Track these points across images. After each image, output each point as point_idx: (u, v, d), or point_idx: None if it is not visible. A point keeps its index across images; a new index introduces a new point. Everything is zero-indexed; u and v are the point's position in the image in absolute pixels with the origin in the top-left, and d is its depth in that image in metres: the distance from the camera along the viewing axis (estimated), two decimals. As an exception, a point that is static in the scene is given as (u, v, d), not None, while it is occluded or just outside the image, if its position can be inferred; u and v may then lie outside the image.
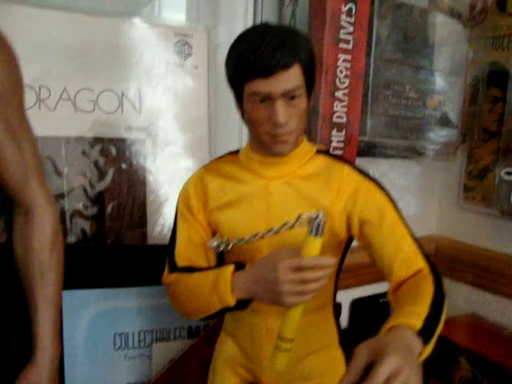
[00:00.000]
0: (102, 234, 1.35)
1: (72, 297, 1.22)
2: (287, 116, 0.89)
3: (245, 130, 1.38)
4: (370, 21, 1.56)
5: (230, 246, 0.94)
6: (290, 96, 0.89)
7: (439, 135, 1.82)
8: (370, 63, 1.61)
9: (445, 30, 1.78)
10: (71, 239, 1.31)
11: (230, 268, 0.91)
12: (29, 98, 1.25)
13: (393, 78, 1.67)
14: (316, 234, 0.81)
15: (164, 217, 1.42)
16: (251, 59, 0.86)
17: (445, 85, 1.80)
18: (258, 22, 1.51)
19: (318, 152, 1.03)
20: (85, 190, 1.32)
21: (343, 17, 1.46)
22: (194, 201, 1.04)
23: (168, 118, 1.42)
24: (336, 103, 1.51)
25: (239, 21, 1.52)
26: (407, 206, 1.99)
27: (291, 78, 0.87)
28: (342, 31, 1.47)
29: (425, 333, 0.76)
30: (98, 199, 1.34)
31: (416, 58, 1.73)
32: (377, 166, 1.84)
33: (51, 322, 0.90)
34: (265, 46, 0.85)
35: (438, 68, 1.78)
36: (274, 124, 0.90)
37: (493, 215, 1.85)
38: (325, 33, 1.45)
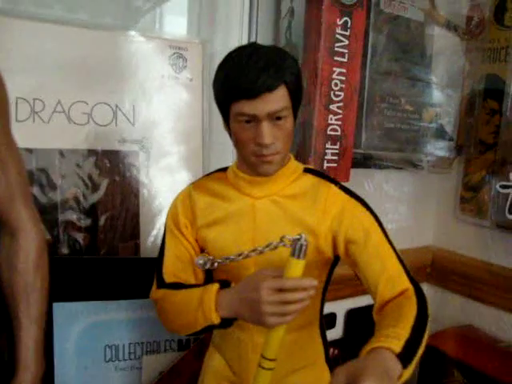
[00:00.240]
0: (95, 245, 1.36)
1: (63, 309, 1.23)
2: (272, 137, 0.90)
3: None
4: (366, 33, 1.56)
5: (216, 265, 0.96)
6: (275, 117, 0.89)
7: (435, 148, 1.82)
8: (365, 76, 1.61)
9: (441, 43, 1.78)
10: (64, 251, 1.32)
11: (215, 286, 0.92)
12: (23, 111, 1.27)
13: (388, 90, 1.67)
14: (298, 256, 0.82)
15: (157, 228, 1.43)
16: (236, 80, 0.87)
17: (441, 97, 1.80)
18: (254, 34, 1.52)
19: (306, 170, 1.04)
20: (78, 202, 1.33)
21: (338, 30, 1.47)
22: (182, 218, 1.05)
23: (162, 131, 1.43)
24: (330, 116, 1.51)
25: (235, 33, 1.52)
26: (403, 216, 1.99)
27: (276, 99, 0.88)
28: (337, 44, 1.47)
29: (404, 357, 0.77)
30: (92, 211, 1.35)
31: (412, 71, 1.73)
32: (371, 177, 1.84)
33: (34, 341, 0.91)
34: (250, 67, 0.86)
35: (435, 80, 1.78)
36: (259, 144, 0.90)
37: (489, 227, 1.84)
38: (320, 46, 1.45)
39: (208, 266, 0.97)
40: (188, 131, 1.46)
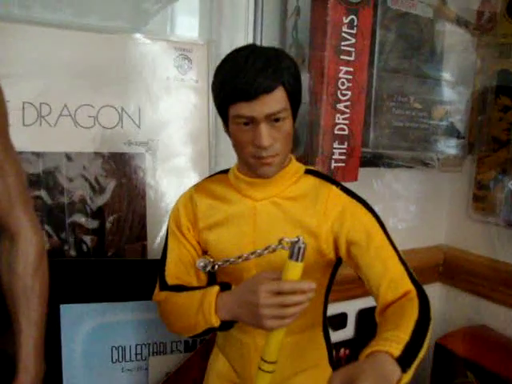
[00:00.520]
0: (103, 247, 1.37)
1: (70, 311, 1.25)
2: (271, 139, 0.90)
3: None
4: (373, 31, 1.54)
5: (216, 268, 0.96)
6: (273, 119, 0.89)
7: (446, 146, 1.79)
8: (373, 74, 1.60)
9: (452, 39, 1.75)
10: (72, 253, 1.33)
11: (215, 289, 0.92)
12: (30, 115, 1.28)
13: (397, 88, 1.65)
14: (296, 258, 0.81)
15: (164, 230, 1.44)
16: (234, 82, 0.86)
17: (452, 94, 1.77)
18: (260, 34, 1.51)
19: (307, 172, 1.03)
20: (85, 204, 1.35)
21: (345, 28, 1.45)
22: (184, 220, 1.05)
23: (168, 133, 1.43)
24: (338, 115, 1.50)
25: (240, 34, 1.52)
26: (414, 216, 1.97)
27: (274, 101, 0.87)
28: (343, 43, 1.46)
29: (403, 360, 0.76)
30: (99, 213, 1.36)
31: (422, 68, 1.70)
32: (381, 177, 1.82)
33: (34, 344, 0.92)
34: (247, 68, 0.86)
35: (445, 78, 1.76)
36: (258, 146, 0.90)
37: (502, 225, 1.81)
38: (326, 44, 1.44)
39: (209, 268, 0.97)
40: (194, 133, 1.46)
